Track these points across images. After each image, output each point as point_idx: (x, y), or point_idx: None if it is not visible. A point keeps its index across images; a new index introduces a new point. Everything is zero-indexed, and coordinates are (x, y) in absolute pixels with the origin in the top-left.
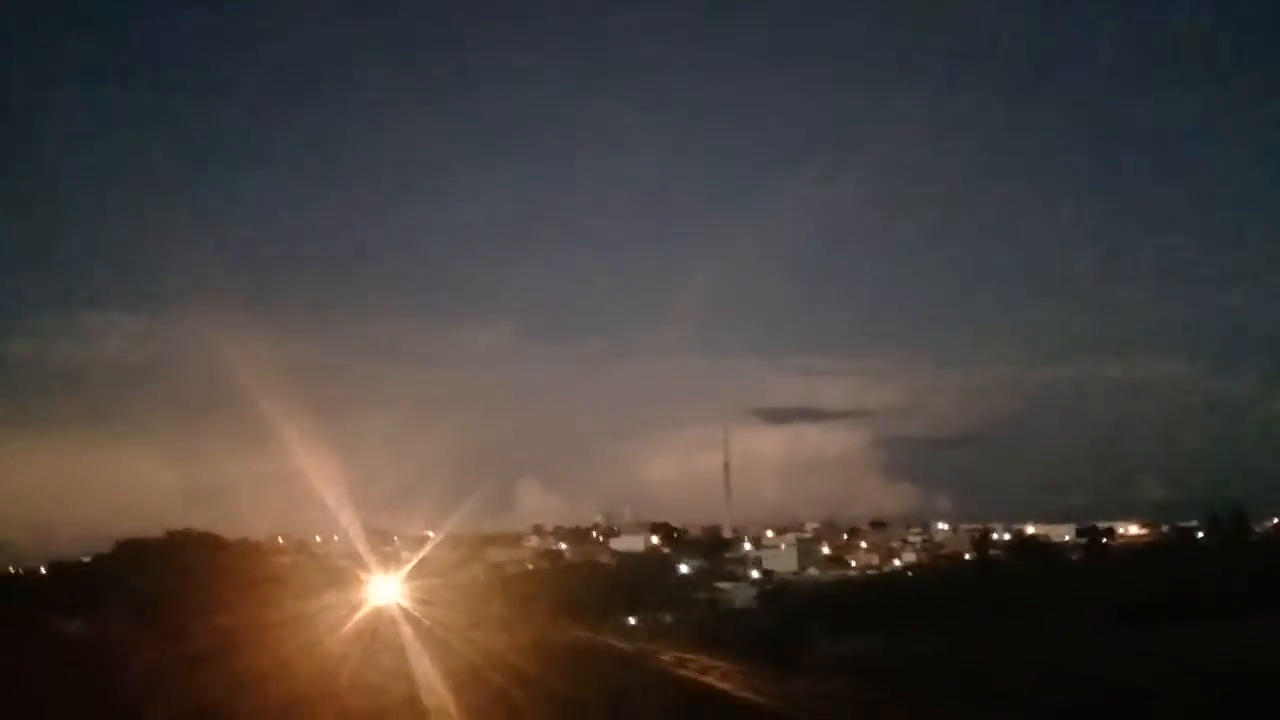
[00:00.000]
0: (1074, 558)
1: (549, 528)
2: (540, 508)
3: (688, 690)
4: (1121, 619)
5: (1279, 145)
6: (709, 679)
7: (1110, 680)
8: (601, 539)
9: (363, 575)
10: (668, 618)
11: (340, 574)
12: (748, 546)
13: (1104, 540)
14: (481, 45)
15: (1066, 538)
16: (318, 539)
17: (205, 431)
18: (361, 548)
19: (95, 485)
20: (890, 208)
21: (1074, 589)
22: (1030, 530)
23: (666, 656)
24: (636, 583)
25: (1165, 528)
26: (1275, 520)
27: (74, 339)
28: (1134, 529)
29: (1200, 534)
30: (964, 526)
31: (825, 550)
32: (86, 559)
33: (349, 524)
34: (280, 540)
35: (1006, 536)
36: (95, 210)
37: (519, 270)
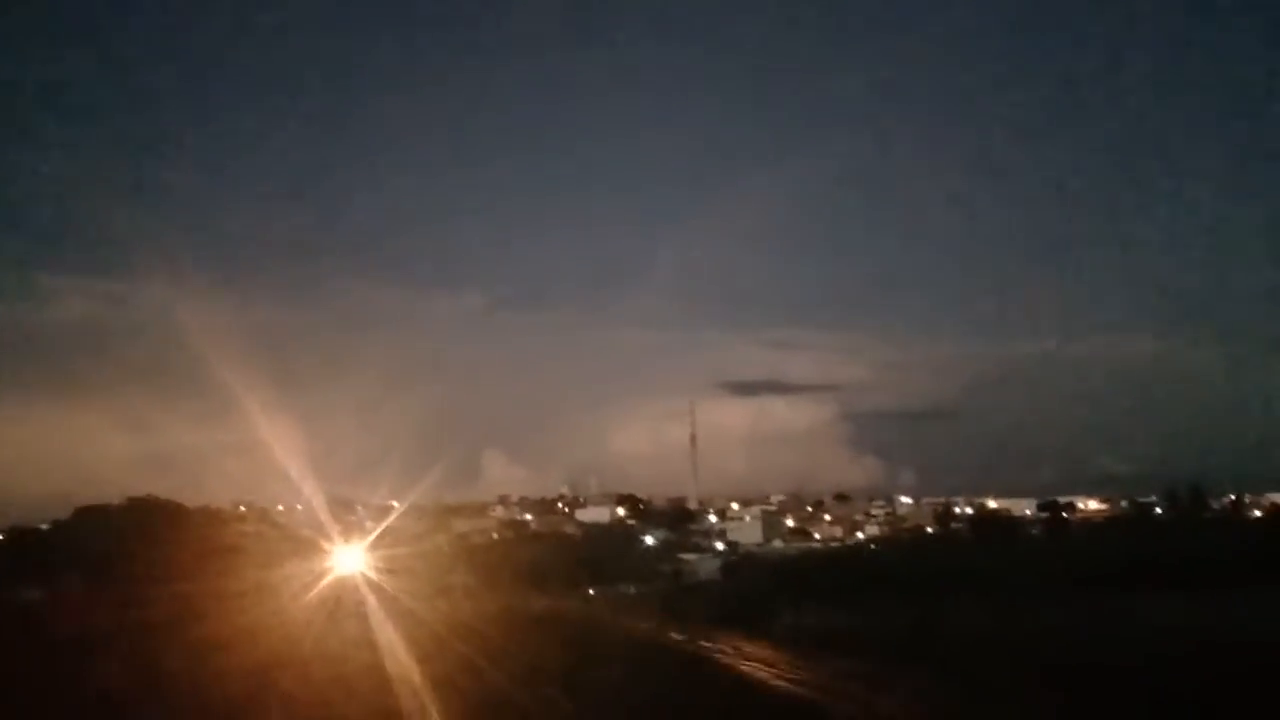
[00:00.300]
0: (1034, 532)
1: (514, 498)
2: (506, 478)
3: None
4: (1079, 592)
5: (1250, 125)
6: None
7: (1061, 649)
8: (567, 510)
9: (326, 545)
10: (632, 589)
11: (303, 543)
12: (713, 518)
13: (1064, 515)
14: (455, 19)
15: (1028, 512)
16: (280, 508)
17: (167, 399)
18: (325, 517)
19: (55, 451)
20: (860, 185)
21: (1033, 563)
22: (992, 504)
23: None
24: (601, 554)
25: (1124, 503)
26: (1231, 496)
27: (33, 301)
28: (1094, 504)
29: (1158, 510)
30: (927, 500)
31: (790, 522)
32: (45, 526)
33: (312, 493)
34: (242, 509)
35: (968, 510)
36: (56, 170)
37: (488, 240)
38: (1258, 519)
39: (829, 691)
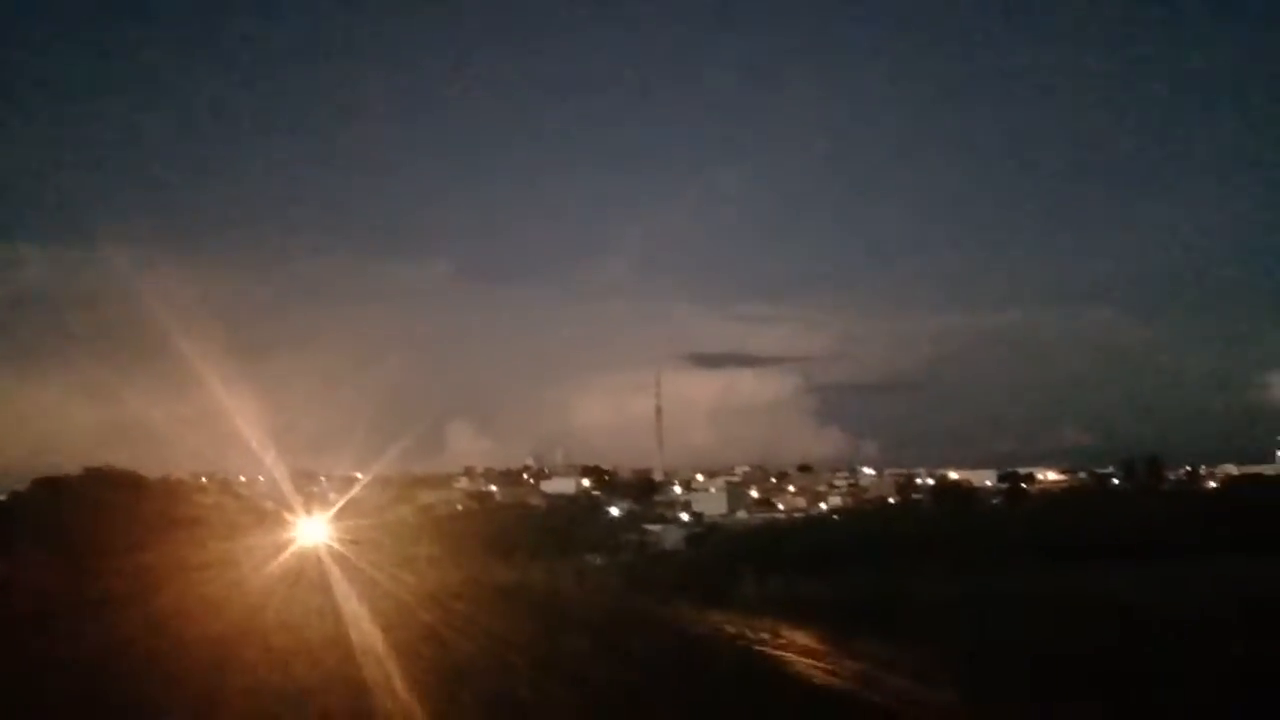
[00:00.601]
0: (995, 503)
1: (479, 470)
2: (471, 450)
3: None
4: (1036, 560)
5: (1220, 94)
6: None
7: (1019, 614)
8: (532, 481)
9: (289, 516)
10: (597, 559)
11: (265, 515)
12: (678, 489)
13: (1023, 486)
14: None
15: (988, 483)
16: (242, 479)
17: (128, 369)
18: (287, 489)
19: (12, 421)
20: (825, 157)
21: (991, 533)
22: (953, 475)
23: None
24: (566, 525)
25: (1083, 474)
26: (1188, 468)
27: None
28: (1053, 475)
29: (1116, 481)
30: (889, 471)
31: (754, 494)
32: (2, 497)
33: (274, 465)
34: (203, 480)
35: (930, 481)
36: (10, 135)
37: (453, 209)
38: (1212, 490)
39: (793, 652)
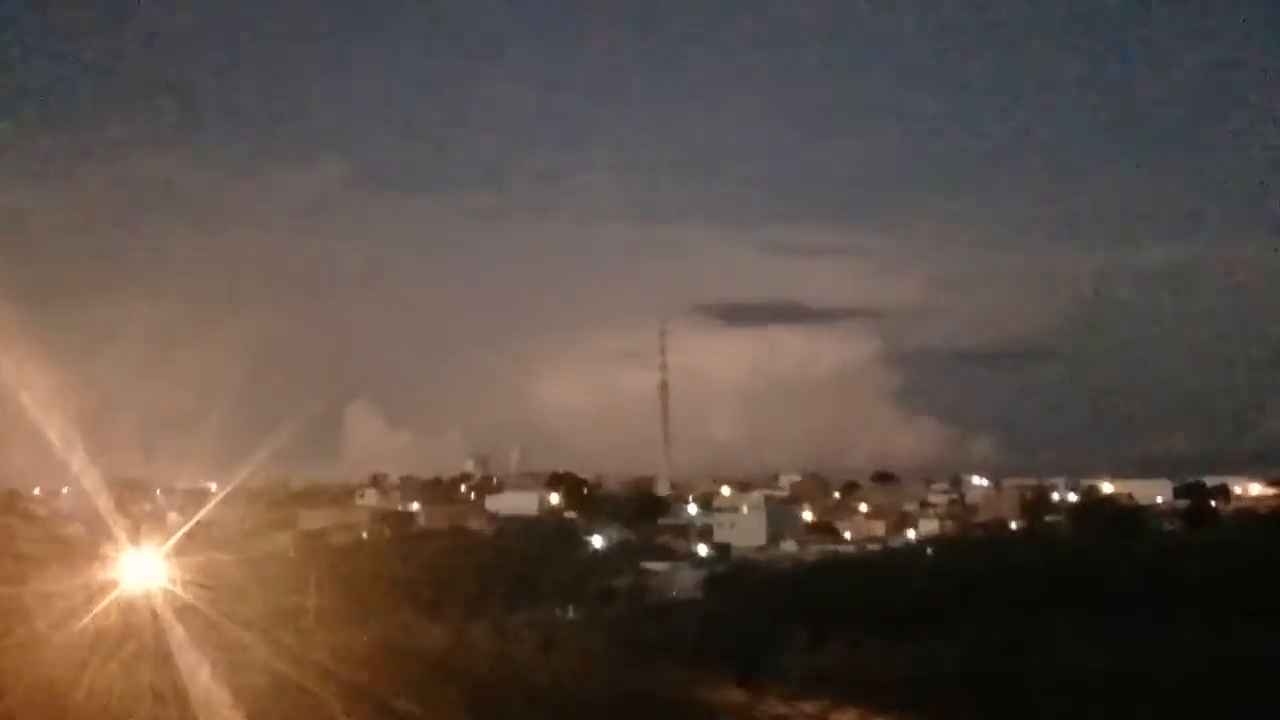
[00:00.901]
0: (1169, 528)
1: (394, 478)
2: (381, 448)
3: None
4: (1238, 615)
5: None
6: None
7: (1221, 709)
8: (474, 495)
9: (108, 546)
10: (570, 612)
11: (73, 544)
12: (693, 509)
13: (1212, 504)
14: None
15: (1160, 499)
16: (37, 493)
17: None
18: (105, 506)
19: None
20: (906, 21)
21: (1170, 572)
22: (1107, 488)
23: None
24: (525, 562)
25: None
26: None
27: None
28: (1256, 488)
29: None
30: (1010, 482)
31: (807, 515)
32: None
33: (85, 472)
34: None
35: (1072, 497)
36: None
37: (353, 87)
38: None
39: None
